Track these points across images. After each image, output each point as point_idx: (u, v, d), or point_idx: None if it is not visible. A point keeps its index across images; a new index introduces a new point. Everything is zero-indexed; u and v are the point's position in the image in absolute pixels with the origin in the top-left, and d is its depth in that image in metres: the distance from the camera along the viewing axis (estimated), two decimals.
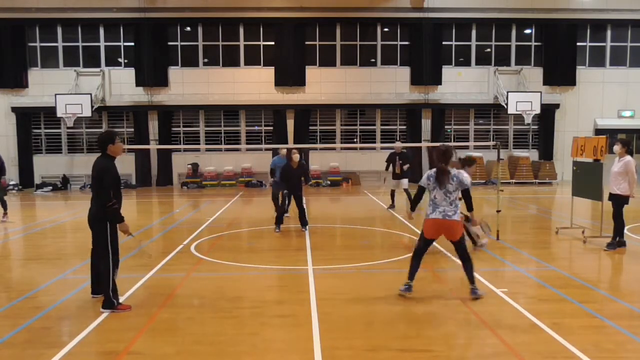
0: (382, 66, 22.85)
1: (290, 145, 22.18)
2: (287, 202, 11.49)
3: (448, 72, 22.60)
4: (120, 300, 6.05)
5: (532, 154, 23.08)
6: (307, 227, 11.03)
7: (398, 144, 14.04)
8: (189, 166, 21.79)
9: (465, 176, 6.18)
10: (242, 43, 22.53)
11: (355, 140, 23.10)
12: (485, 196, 17.72)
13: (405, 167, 13.53)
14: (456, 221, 6.12)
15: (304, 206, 11.15)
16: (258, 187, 21.33)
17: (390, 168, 13.76)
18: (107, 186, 5.79)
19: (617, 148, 8.90)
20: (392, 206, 13.91)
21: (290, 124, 22.44)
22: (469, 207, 6.44)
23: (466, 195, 6.29)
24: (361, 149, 22.82)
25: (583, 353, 4.66)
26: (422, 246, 6.40)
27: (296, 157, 11.08)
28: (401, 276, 7.55)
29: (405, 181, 13.58)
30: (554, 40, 22.47)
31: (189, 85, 22.28)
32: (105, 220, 5.85)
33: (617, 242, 8.94)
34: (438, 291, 6.82)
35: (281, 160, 12.88)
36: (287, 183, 11.09)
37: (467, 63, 23.08)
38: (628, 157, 8.82)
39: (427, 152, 13.61)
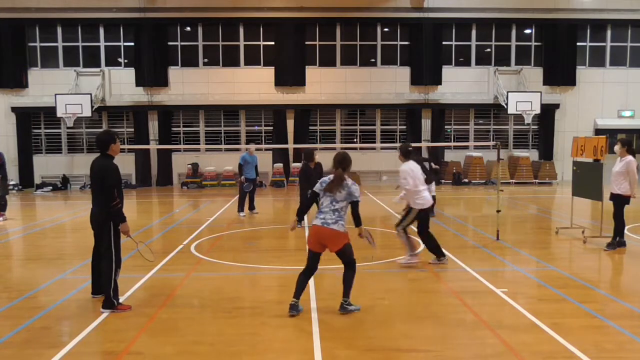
0: (382, 66, 22.84)
1: (290, 145, 22.21)
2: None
3: (448, 72, 22.60)
4: (121, 300, 6.05)
5: (532, 154, 23.08)
6: None
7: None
8: (189, 166, 21.78)
9: (356, 188, 5.79)
10: (242, 43, 22.52)
11: (355, 140, 23.10)
12: (486, 196, 17.73)
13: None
14: (335, 230, 5.66)
15: None
16: (258, 187, 21.27)
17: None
18: (110, 185, 5.81)
19: (617, 148, 8.89)
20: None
21: (290, 124, 22.44)
22: (357, 222, 5.85)
23: (355, 209, 5.81)
24: (361, 149, 22.80)
25: (583, 353, 4.66)
26: (310, 263, 5.86)
27: (316, 157, 11.21)
28: (401, 276, 7.56)
29: (432, 186, 13.20)
30: (554, 40, 22.46)
31: (189, 85, 22.28)
32: (109, 221, 5.87)
33: (617, 242, 8.94)
34: (438, 291, 6.82)
35: (251, 157, 13.04)
36: (307, 183, 11.15)
37: (467, 63, 23.07)
38: (629, 157, 8.82)
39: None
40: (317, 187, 5.88)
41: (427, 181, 13.07)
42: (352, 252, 5.88)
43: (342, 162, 5.85)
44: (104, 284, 5.93)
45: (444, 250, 8.11)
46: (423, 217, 8.01)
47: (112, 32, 22.40)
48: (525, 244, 9.64)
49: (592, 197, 10.09)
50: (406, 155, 7.94)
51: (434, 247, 8.02)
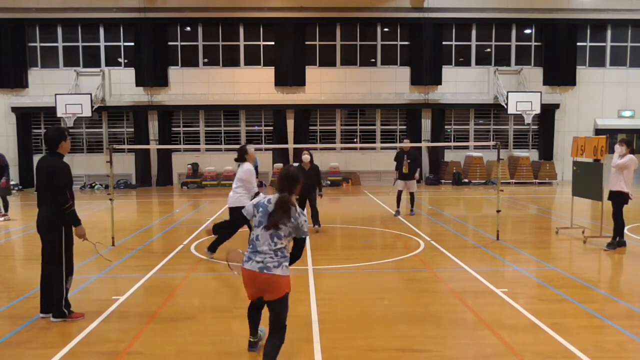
0: (382, 66, 22.84)
1: (290, 145, 22.21)
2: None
3: (448, 72, 22.60)
4: (121, 300, 6.05)
5: (532, 154, 23.08)
6: (320, 226, 11.06)
7: (407, 142, 13.42)
8: (189, 166, 21.79)
9: (304, 219, 4.26)
10: (242, 43, 22.53)
11: (355, 140, 23.10)
12: (486, 196, 17.73)
13: (416, 175, 12.99)
14: (278, 277, 4.17)
15: (317, 208, 11.10)
16: (258, 187, 21.31)
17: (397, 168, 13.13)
18: (62, 186, 5.43)
19: (623, 149, 8.84)
20: (397, 212, 13.10)
21: (290, 124, 22.44)
22: (294, 259, 4.34)
23: (299, 247, 4.33)
24: (361, 149, 22.82)
25: (583, 353, 4.66)
26: (252, 303, 4.64)
27: (306, 157, 10.95)
28: (401, 276, 7.56)
29: (413, 183, 13.00)
30: (554, 40, 22.46)
31: (189, 85, 22.28)
32: (60, 225, 5.51)
33: (617, 242, 8.95)
34: (438, 291, 6.82)
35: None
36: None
37: (467, 63, 23.07)
38: (631, 155, 8.81)
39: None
40: (249, 212, 4.34)
41: (403, 177, 13.07)
42: (287, 310, 4.31)
43: (291, 182, 4.28)
44: (53, 292, 5.53)
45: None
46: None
47: (112, 32, 22.39)
48: (525, 244, 9.64)
49: (592, 197, 10.09)
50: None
51: (216, 243, 8.45)
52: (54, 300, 5.55)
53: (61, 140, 5.56)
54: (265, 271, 4.18)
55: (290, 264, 4.28)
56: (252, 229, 4.35)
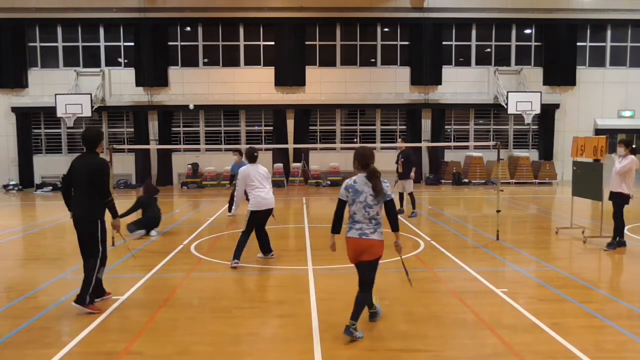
0: (382, 66, 22.84)
1: (290, 145, 22.20)
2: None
3: (448, 72, 22.60)
4: (121, 300, 6.05)
5: (532, 154, 23.07)
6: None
7: (399, 142, 13.36)
8: (189, 166, 21.78)
9: (387, 183, 5.20)
10: (242, 43, 22.52)
11: (355, 140, 23.09)
12: (486, 196, 17.73)
13: (411, 174, 12.80)
14: (375, 240, 5.10)
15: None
16: None
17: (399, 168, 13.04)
18: (106, 181, 5.93)
19: (621, 150, 8.85)
20: (400, 211, 12.98)
21: (290, 124, 22.43)
22: (395, 226, 5.25)
23: (391, 209, 5.20)
24: None
25: (583, 353, 4.66)
26: (361, 276, 5.26)
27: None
28: (401, 276, 7.54)
29: (407, 184, 12.88)
30: (554, 40, 22.45)
31: (189, 85, 22.28)
32: (99, 217, 5.92)
33: (617, 242, 8.95)
34: (438, 291, 6.82)
35: (239, 167, 12.52)
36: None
37: (467, 63, 23.07)
38: (631, 156, 8.82)
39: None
40: (343, 195, 5.23)
41: (401, 176, 13.02)
42: (376, 271, 5.24)
43: (370, 156, 5.20)
44: (84, 279, 5.91)
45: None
46: (261, 217, 8.33)
47: (112, 32, 22.38)
48: (525, 244, 9.64)
49: (592, 197, 10.10)
50: (252, 160, 8.35)
51: (265, 244, 8.51)
52: (82, 286, 5.85)
53: (101, 140, 6.05)
54: (363, 237, 5.11)
55: (394, 228, 5.20)
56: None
